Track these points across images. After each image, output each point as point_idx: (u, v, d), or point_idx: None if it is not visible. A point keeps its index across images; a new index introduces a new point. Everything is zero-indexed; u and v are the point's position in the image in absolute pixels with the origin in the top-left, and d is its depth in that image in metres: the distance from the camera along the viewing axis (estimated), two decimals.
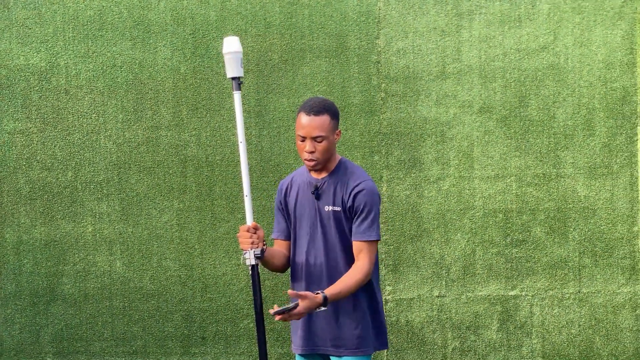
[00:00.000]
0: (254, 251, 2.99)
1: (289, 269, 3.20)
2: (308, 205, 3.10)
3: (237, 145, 3.14)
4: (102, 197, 4.47)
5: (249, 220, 3.06)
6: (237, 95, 3.11)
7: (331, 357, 3.13)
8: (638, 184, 4.48)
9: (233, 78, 3.12)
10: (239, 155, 4.34)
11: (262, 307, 3.07)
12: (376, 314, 3.12)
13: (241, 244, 3.01)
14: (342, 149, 4.44)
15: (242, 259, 3.04)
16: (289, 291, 2.83)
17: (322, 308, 2.87)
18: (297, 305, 2.79)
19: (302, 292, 2.84)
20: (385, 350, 4.51)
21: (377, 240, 3.04)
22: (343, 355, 3.07)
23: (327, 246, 3.07)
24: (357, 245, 3.02)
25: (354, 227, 3.02)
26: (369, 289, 3.09)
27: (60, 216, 4.48)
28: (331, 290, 2.90)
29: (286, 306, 2.79)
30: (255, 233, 3.01)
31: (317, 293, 2.86)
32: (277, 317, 2.79)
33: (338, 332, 3.06)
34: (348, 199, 3.04)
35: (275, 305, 2.83)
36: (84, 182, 4.47)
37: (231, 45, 3.11)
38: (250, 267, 3.03)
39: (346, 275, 2.98)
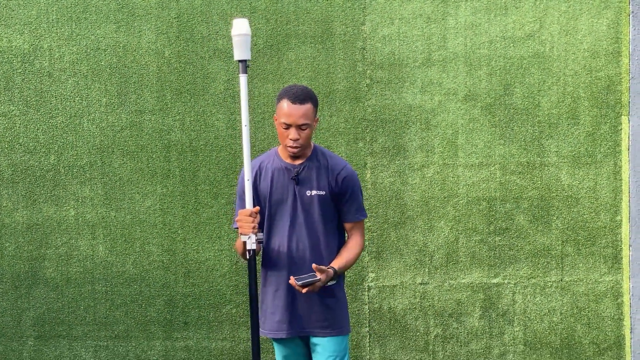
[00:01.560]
0: (257, 236, 3.00)
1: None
2: (286, 191, 3.12)
3: (241, 128, 3.12)
4: (85, 181, 4.45)
5: (249, 204, 3.04)
6: (243, 78, 3.08)
7: (312, 338, 3.16)
8: (622, 174, 4.49)
9: (240, 61, 3.08)
10: (227, 139, 4.41)
11: (257, 291, 3.09)
12: (346, 296, 3.29)
13: (242, 228, 3.01)
14: (326, 136, 4.43)
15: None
16: (313, 265, 2.99)
17: (333, 282, 3.10)
18: (318, 278, 2.98)
19: (322, 267, 3.00)
20: (368, 337, 4.52)
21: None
22: (329, 336, 3.13)
23: (310, 231, 3.12)
24: (349, 225, 3.22)
25: (344, 208, 3.18)
26: (343, 273, 3.18)
27: (42, 200, 4.46)
28: (338, 264, 3.10)
29: (310, 279, 2.97)
30: (256, 217, 3.01)
31: (328, 268, 3.05)
32: (304, 290, 2.97)
33: (325, 313, 3.14)
34: (335, 183, 3.14)
35: (292, 277, 3.00)
36: (67, 166, 4.45)
37: (240, 28, 3.05)
38: (248, 252, 3.03)
39: (346, 250, 3.17)
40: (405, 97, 4.46)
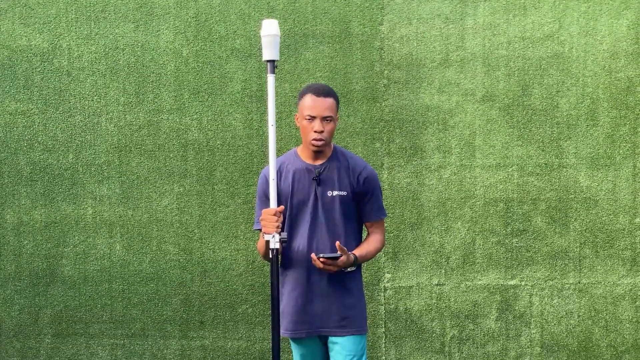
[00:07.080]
0: (280, 235, 3.00)
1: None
2: (307, 191, 3.12)
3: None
4: (103, 180, 4.47)
5: (273, 204, 3.04)
6: (271, 78, 3.08)
7: (331, 337, 3.16)
8: None
9: (268, 61, 3.08)
10: (244, 139, 4.42)
11: (278, 292, 3.08)
12: (364, 297, 3.29)
13: (266, 227, 3.00)
14: (343, 136, 4.42)
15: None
16: (337, 243, 3.02)
17: (352, 268, 3.12)
18: (340, 256, 3.01)
19: (344, 247, 3.04)
20: (384, 337, 4.51)
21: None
22: (348, 335, 3.13)
23: (330, 231, 3.12)
24: (370, 224, 3.26)
25: (365, 208, 3.21)
26: (360, 272, 3.18)
27: (60, 198, 4.48)
28: (359, 252, 3.13)
29: (332, 255, 3.02)
30: (280, 216, 3.01)
31: (350, 253, 3.08)
32: (319, 262, 3.00)
33: (344, 313, 3.13)
34: (357, 183, 3.15)
35: (312, 254, 3.04)
36: (85, 165, 4.47)
37: (270, 28, 3.07)
38: (271, 251, 3.03)
39: (368, 243, 3.21)
40: (422, 98, 4.45)
